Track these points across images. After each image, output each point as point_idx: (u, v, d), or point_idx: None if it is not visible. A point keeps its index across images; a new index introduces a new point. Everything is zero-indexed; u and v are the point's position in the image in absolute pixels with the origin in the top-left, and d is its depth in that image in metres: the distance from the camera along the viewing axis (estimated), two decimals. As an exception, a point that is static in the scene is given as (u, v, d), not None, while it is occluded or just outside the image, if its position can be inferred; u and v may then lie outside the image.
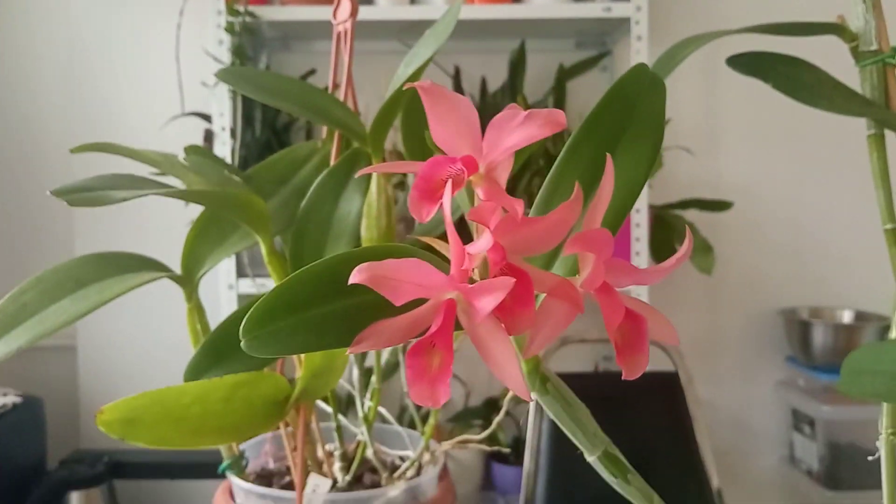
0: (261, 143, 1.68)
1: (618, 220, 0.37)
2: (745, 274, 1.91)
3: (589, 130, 0.41)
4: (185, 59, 1.72)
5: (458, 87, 1.76)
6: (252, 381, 0.57)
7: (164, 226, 1.67)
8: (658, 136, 0.42)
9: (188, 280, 0.66)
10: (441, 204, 0.30)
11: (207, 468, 1.59)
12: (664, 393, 1.30)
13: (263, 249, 0.64)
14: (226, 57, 1.58)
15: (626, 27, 1.62)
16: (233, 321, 0.59)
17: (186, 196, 0.63)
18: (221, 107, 1.59)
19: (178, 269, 0.66)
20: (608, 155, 0.33)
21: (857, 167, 1.66)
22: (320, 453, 0.74)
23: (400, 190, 1.34)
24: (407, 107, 0.73)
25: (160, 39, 1.79)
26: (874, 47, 0.56)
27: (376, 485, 0.72)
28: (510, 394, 0.74)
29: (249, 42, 1.68)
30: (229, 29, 1.57)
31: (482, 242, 0.29)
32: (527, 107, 1.64)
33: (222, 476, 0.71)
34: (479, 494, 1.73)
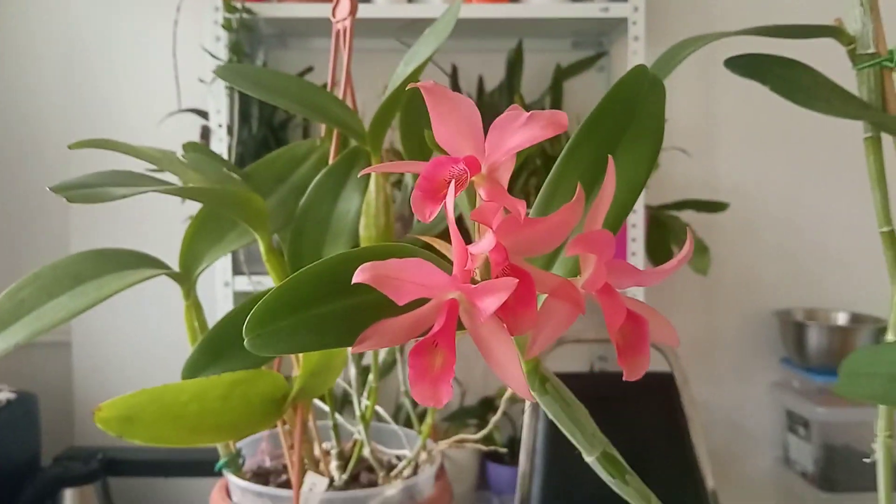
0: (257, 140, 1.68)
1: (618, 221, 0.37)
2: (741, 275, 1.91)
3: (589, 131, 0.41)
4: (183, 56, 1.72)
5: (456, 86, 1.76)
6: (250, 380, 0.56)
7: (160, 222, 1.67)
8: (658, 138, 0.42)
9: (186, 277, 0.66)
10: (444, 204, 0.30)
11: (202, 466, 1.59)
12: (660, 393, 1.30)
13: (262, 247, 0.64)
14: (223, 54, 1.58)
15: (623, 27, 1.62)
16: (231, 319, 0.59)
17: (185, 193, 0.63)
18: (218, 103, 1.59)
19: (175, 266, 0.66)
20: (610, 157, 0.33)
21: (853, 169, 1.67)
22: (317, 452, 0.74)
23: (397, 189, 1.34)
24: (406, 106, 0.73)
25: (157, 36, 1.79)
26: (871, 50, 0.56)
27: (373, 484, 0.72)
28: (507, 394, 0.74)
29: (246, 39, 1.68)
30: (226, 26, 1.57)
31: (485, 243, 0.29)
32: (524, 106, 1.65)
33: (217, 474, 0.71)
34: (475, 494, 1.73)
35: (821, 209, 1.91)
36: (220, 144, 1.59)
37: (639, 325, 0.32)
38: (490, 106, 1.70)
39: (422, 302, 0.30)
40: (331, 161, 0.70)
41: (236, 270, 1.59)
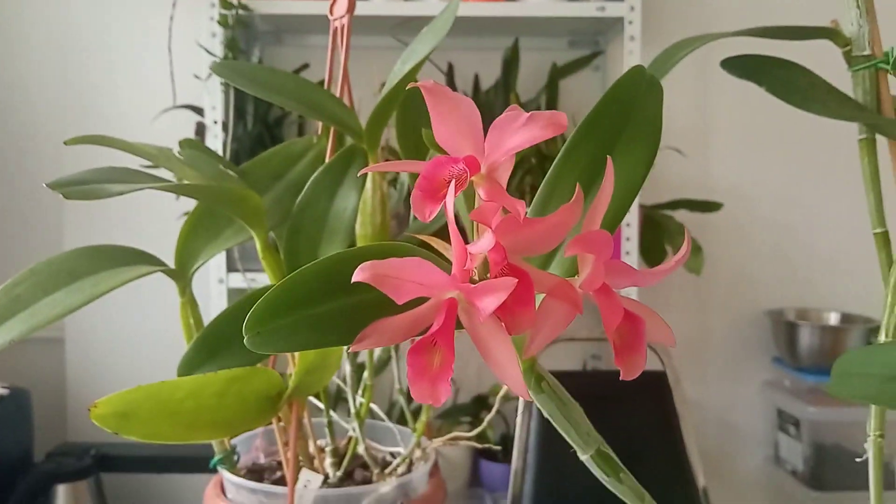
0: (252, 136, 1.68)
1: (615, 221, 0.38)
2: (733, 275, 1.92)
3: (586, 132, 0.42)
4: (178, 52, 1.71)
5: (452, 85, 1.76)
6: (246, 377, 0.57)
7: (154, 219, 1.66)
8: (655, 139, 0.42)
9: (182, 274, 0.66)
10: (444, 203, 0.30)
11: (195, 462, 1.59)
12: (652, 392, 1.31)
13: (258, 245, 0.64)
14: (218, 50, 1.57)
15: (619, 27, 1.62)
16: (227, 316, 0.59)
17: (182, 190, 0.63)
18: (214, 100, 1.59)
19: (170, 263, 0.66)
20: (609, 158, 0.33)
21: (846, 170, 1.68)
22: (312, 449, 0.75)
23: (392, 187, 1.34)
24: (403, 104, 0.73)
25: (153, 31, 1.78)
26: (867, 52, 0.56)
27: (367, 481, 0.72)
28: (501, 392, 0.74)
29: (242, 35, 1.68)
30: (222, 22, 1.56)
31: (484, 242, 0.29)
32: (519, 105, 1.65)
33: (210, 470, 0.71)
34: (467, 491, 1.73)
35: (813, 210, 1.92)
36: (216, 141, 1.58)
37: (636, 324, 0.32)
38: (486, 105, 1.70)
39: (421, 301, 0.31)
40: (328, 159, 0.70)
41: (231, 267, 1.59)
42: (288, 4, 1.61)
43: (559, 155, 0.42)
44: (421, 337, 0.30)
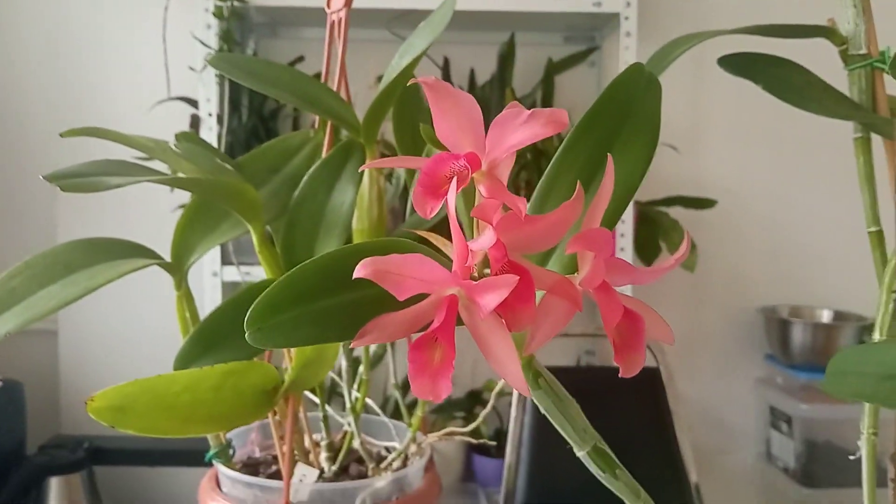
0: (247, 129, 1.67)
1: (614, 219, 0.38)
2: (727, 272, 1.92)
3: (585, 130, 0.42)
4: (172, 44, 1.70)
5: (448, 79, 1.76)
6: (242, 371, 0.57)
7: (147, 211, 1.66)
8: (654, 136, 0.42)
9: (178, 268, 0.66)
10: (445, 200, 0.30)
11: (188, 455, 1.59)
12: (646, 388, 1.31)
13: (255, 239, 0.64)
14: (213, 42, 1.57)
15: (615, 23, 1.62)
16: (223, 310, 0.59)
17: (179, 183, 0.62)
18: (208, 92, 1.58)
19: (164, 256, 0.66)
20: (609, 155, 0.33)
21: (839, 169, 1.68)
22: (307, 443, 0.75)
23: (388, 181, 1.34)
24: (399, 99, 0.73)
25: (147, 23, 1.77)
26: (863, 51, 0.56)
27: (363, 475, 0.72)
28: (496, 388, 0.75)
29: (237, 27, 1.67)
30: (217, 13, 1.56)
31: (485, 239, 0.29)
32: (515, 100, 1.65)
33: (203, 463, 0.71)
34: (461, 486, 1.74)
35: (807, 208, 1.92)
36: (210, 133, 1.58)
37: (635, 322, 0.32)
38: (482, 99, 1.70)
39: (422, 297, 0.31)
40: (324, 153, 0.70)
41: (225, 260, 1.58)
42: (283, -3, 1.60)
43: (558, 152, 0.42)
44: (422, 333, 0.30)
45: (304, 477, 0.70)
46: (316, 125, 0.76)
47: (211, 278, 1.58)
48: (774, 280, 1.93)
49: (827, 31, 0.58)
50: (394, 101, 0.68)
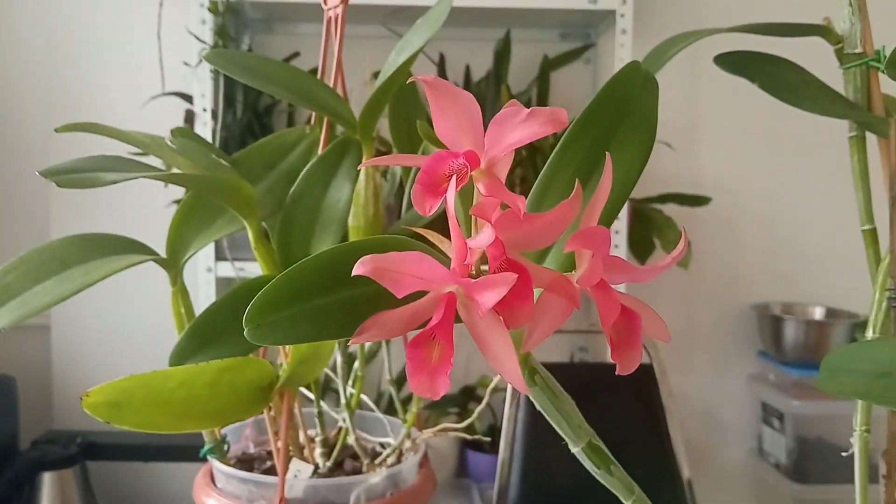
0: (242, 124, 1.67)
1: (611, 217, 0.38)
2: (720, 269, 1.93)
3: (582, 128, 0.42)
4: (167, 39, 1.70)
5: (443, 75, 1.75)
6: (237, 367, 0.57)
7: (141, 207, 1.65)
8: (650, 135, 0.42)
9: (173, 263, 0.66)
10: (444, 198, 0.30)
11: (182, 451, 1.59)
12: (639, 385, 1.32)
13: (250, 235, 0.64)
14: (208, 37, 1.56)
15: (611, 20, 1.62)
16: (219, 306, 0.59)
17: (175, 179, 0.62)
18: (203, 87, 1.58)
19: (158, 251, 0.65)
20: (607, 154, 0.33)
21: (832, 167, 1.70)
22: (302, 439, 0.75)
23: (384, 178, 1.34)
24: (395, 95, 0.73)
25: (142, 18, 1.76)
26: (859, 50, 0.57)
27: (357, 471, 0.73)
28: (491, 385, 0.75)
29: (232, 22, 1.66)
30: (212, 9, 1.55)
31: (483, 237, 0.29)
32: (510, 97, 1.65)
33: (196, 459, 0.71)
34: (454, 481, 1.74)
35: (800, 206, 1.93)
36: (205, 129, 1.57)
37: (632, 320, 0.32)
38: (477, 96, 1.69)
39: (420, 294, 0.31)
40: (321, 149, 0.70)
41: (219, 256, 1.58)
42: (279, -8, 1.60)
43: (555, 151, 0.42)
44: (420, 330, 0.30)
45: (299, 473, 0.70)
46: (311, 121, 0.76)
47: (205, 274, 1.58)
48: (768, 277, 1.94)
49: (823, 30, 0.58)
50: (390, 97, 0.68)
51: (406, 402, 0.81)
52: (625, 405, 1.31)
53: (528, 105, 0.34)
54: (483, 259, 0.32)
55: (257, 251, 0.64)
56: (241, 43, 1.79)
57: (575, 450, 0.43)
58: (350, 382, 0.76)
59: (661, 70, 0.55)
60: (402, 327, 0.31)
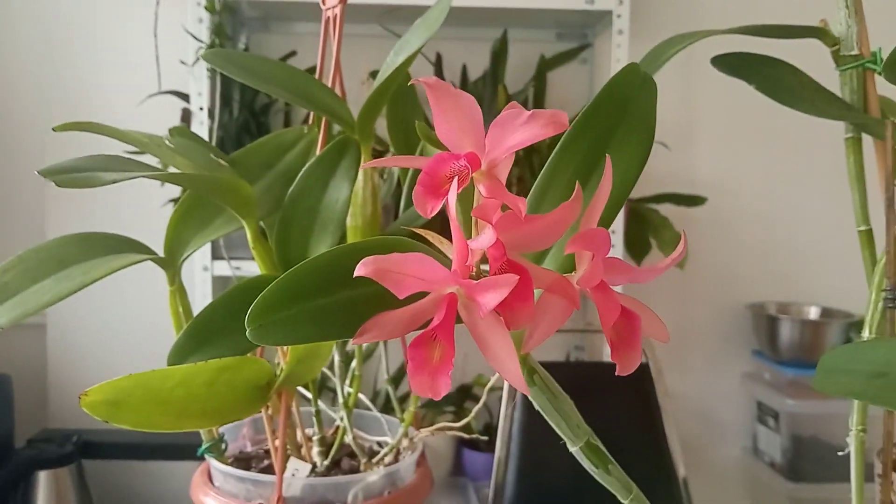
0: (238, 123, 1.67)
1: (610, 218, 0.38)
2: (715, 268, 1.94)
3: (582, 130, 0.42)
4: (164, 37, 1.69)
5: (440, 75, 1.75)
6: (236, 366, 0.57)
7: (137, 206, 1.65)
8: (649, 136, 0.43)
9: (171, 263, 0.66)
10: (446, 199, 0.30)
11: (178, 450, 1.59)
12: (634, 384, 1.32)
13: (249, 234, 0.64)
14: (205, 36, 1.56)
15: (607, 20, 1.63)
16: (217, 305, 0.59)
17: (174, 179, 0.62)
18: (200, 86, 1.58)
19: (156, 250, 0.65)
20: (607, 156, 0.33)
21: (827, 167, 1.70)
22: (299, 438, 0.75)
23: (381, 178, 1.34)
24: (393, 96, 0.73)
25: (139, 16, 1.76)
26: (855, 52, 0.57)
27: (355, 470, 0.73)
28: (489, 384, 0.75)
29: (229, 21, 1.66)
30: (209, 7, 1.55)
31: (484, 239, 0.30)
32: (507, 97, 1.64)
33: (194, 458, 0.71)
34: (450, 480, 1.74)
35: (795, 206, 1.94)
36: (201, 128, 1.57)
37: (632, 321, 0.33)
38: (474, 96, 1.70)
39: (421, 295, 0.31)
40: (319, 149, 0.70)
41: (216, 255, 1.58)
42: (276, -9, 1.60)
43: (555, 151, 0.42)
44: (421, 331, 0.30)
45: (297, 471, 0.70)
46: (308, 120, 0.76)
47: (201, 273, 1.58)
48: (763, 277, 1.94)
49: (819, 32, 0.58)
50: (388, 98, 0.68)
51: (403, 400, 0.81)
52: (621, 404, 1.31)
53: (524, 105, 0.34)
54: (483, 260, 0.32)
55: (255, 250, 0.64)
56: (238, 42, 1.79)
57: (573, 449, 0.44)
58: (347, 381, 0.76)
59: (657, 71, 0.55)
60: (404, 328, 0.31)
